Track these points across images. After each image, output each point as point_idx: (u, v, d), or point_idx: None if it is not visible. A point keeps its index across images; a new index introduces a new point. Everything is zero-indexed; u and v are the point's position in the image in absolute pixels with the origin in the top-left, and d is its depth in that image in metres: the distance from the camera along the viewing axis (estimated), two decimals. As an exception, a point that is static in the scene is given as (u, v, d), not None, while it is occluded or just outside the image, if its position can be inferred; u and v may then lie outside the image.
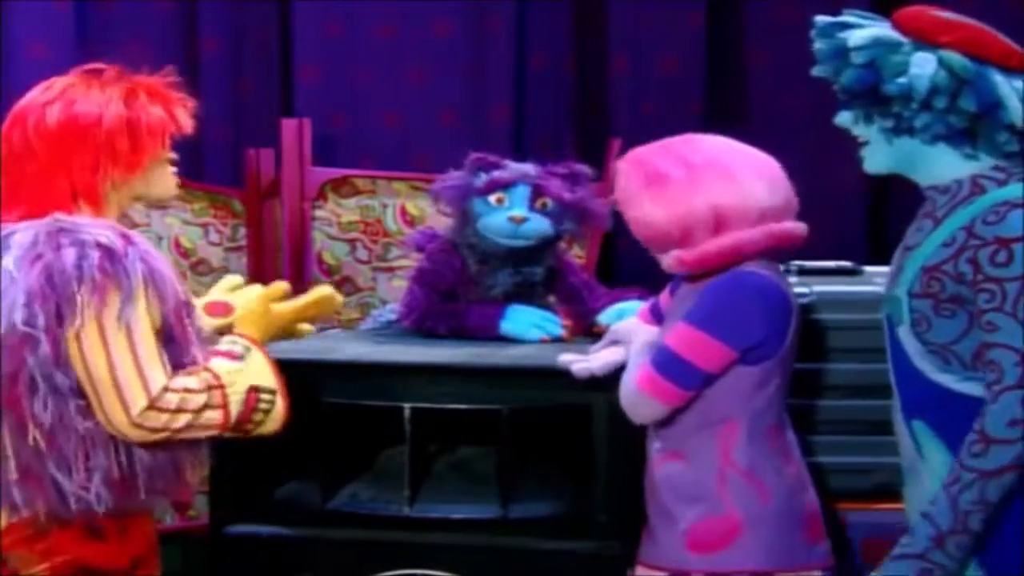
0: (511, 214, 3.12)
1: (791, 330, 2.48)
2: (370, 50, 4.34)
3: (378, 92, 4.35)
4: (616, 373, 2.59)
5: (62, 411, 2.30)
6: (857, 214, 4.25)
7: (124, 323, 2.28)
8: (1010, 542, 2.25)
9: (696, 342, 2.42)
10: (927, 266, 2.29)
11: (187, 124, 2.48)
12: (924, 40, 2.29)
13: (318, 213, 4.14)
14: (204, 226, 4.22)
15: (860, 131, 2.39)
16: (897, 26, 2.33)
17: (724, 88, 4.31)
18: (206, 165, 4.37)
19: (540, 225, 3.15)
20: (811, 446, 2.99)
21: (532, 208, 3.14)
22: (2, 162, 2.41)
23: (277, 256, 4.21)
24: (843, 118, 2.41)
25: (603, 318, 3.14)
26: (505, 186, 3.15)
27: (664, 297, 2.73)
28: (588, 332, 3.18)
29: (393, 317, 3.39)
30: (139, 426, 2.30)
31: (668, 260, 2.50)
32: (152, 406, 2.30)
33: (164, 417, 2.31)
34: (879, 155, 2.38)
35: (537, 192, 3.15)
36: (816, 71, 2.39)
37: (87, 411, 2.31)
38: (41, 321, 2.27)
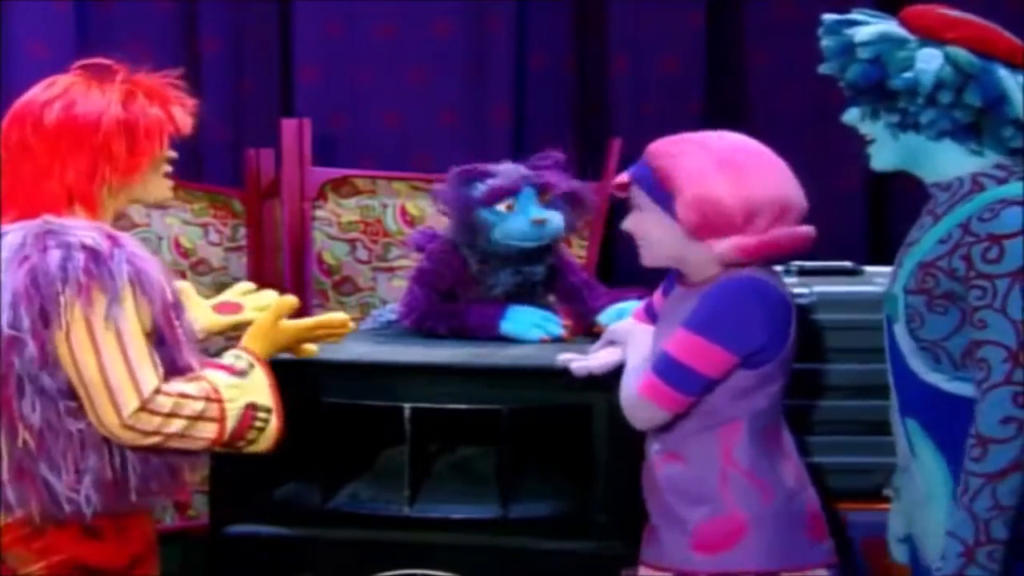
0: (533, 217, 3.14)
1: (791, 332, 2.48)
2: (370, 50, 4.34)
3: (378, 92, 4.34)
4: (615, 373, 2.59)
5: (50, 413, 2.29)
6: (857, 214, 4.24)
7: (112, 324, 2.26)
8: None
9: (697, 348, 2.42)
10: (923, 262, 2.30)
11: (186, 124, 2.47)
12: (930, 37, 2.30)
13: (318, 213, 4.14)
14: (204, 226, 4.22)
15: (867, 128, 2.40)
16: (904, 24, 2.35)
17: (724, 88, 4.30)
18: (206, 165, 4.36)
19: (559, 221, 3.18)
20: (811, 446, 2.99)
21: (541, 206, 3.16)
22: (1, 161, 2.40)
23: (277, 256, 4.20)
24: (850, 115, 2.41)
25: (603, 318, 3.15)
26: (510, 192, 3.15)
27: (657, 297, 2.72)
28: (588, 332, 3.18)
29: (393, 317, 3.39)
30: (131, 428, 2.28)
31: (722, 247, 2.42)
32: (144, 408, 2.27)
33: (156, 420, 2.29)
34: (885, 152, 2.39)
35: (541, 190, 3.17)
36: (823, 68, 2.40)
37: (78, 413, 2.30)
38: (26, 323, 2.26)
